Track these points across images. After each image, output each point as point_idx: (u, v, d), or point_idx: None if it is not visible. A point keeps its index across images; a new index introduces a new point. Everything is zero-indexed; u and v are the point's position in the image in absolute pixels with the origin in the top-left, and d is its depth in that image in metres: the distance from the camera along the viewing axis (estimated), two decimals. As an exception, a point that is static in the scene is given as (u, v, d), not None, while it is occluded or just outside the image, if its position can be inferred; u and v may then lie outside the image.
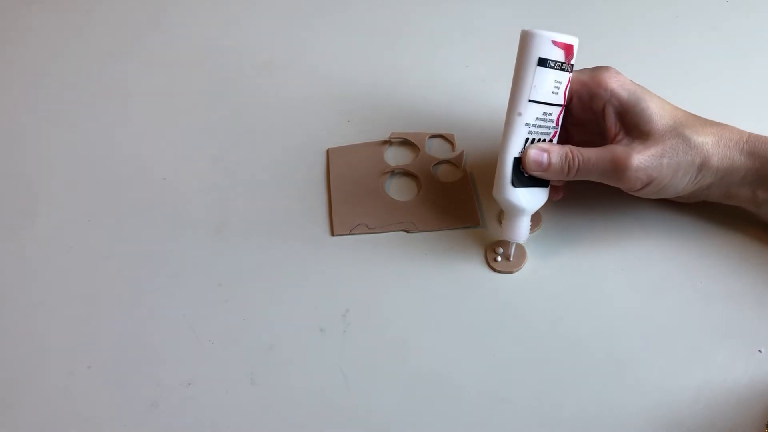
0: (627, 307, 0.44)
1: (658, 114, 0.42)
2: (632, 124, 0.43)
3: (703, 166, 0.42)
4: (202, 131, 0.57)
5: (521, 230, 0.45)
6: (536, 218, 0.48)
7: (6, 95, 0.61)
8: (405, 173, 0.53)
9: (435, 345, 0.43)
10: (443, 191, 0.51)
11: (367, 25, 0.65)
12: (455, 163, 0.53)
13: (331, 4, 0.68)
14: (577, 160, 0.43)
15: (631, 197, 0.49)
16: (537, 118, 0.43)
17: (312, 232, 0.49)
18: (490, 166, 0.52)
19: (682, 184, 0.43)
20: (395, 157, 0.54)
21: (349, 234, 0.49)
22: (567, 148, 0.44)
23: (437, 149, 0.54)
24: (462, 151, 0.53)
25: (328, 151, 0.54)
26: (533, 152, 0.43)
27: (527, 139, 0.43)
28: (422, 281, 0.46)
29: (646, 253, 0.46)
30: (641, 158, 0.42)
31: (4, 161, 0.55)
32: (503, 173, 0.44)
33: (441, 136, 0.55)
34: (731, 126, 0.43)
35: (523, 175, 0.44)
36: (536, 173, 0.44)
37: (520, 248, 0.46)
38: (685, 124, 0.42)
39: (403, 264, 0.47)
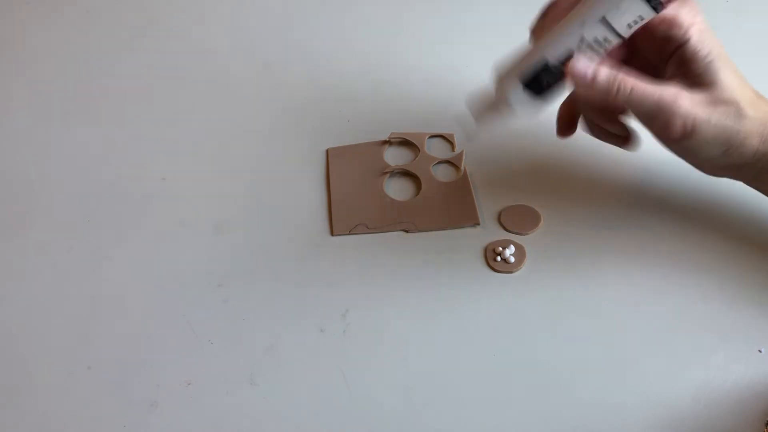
0: (627, 307, 0.44)
1: (726, 72, 0.40)
2: (695, 73, 0.40)
3: (743, 143, 0.40)
4: (202, 131, 0.57)
5: (487, 121, 0.41)
6: (536, 218, 0.48)
7: (5, 95, 0.61)
8: (405, 173, 0.53)
9: (435, 345, 0.43)
10: (443, 191, 0.51)
11: (367, 25, 0.65)
12: (455, 162, 0.53)
13: (331, 4, 0.68)
14: (628, 83, 0.39)
15: (630, 197, 0.49)
16: (595, 40, 0.39)
17: (312, 232, 0.49)
18: (490, 165, 0.52)
19: (717, 150, 0.40)
20: (395, 157, 0.54)
21: (349, 234, 0.49)
22: (617, 71, 0.39)
23: (437, 149, 0.54)
24: (462, 151, 0.53)
25: (328, 151, 0.54)
26: (582, 62, 0.39)
27: (570, 52, 0.39)
28: (422, 281, 0.46)
29: (645, 252, 0.46)
30: (693, 105, 0.39)
31: (3, 161, 0.55)
32: (523, 66, 0.40)
33: (441, 136, 0.55)
34: None
35: (539, 84, 0.40)
36: (576, 85, 0.40)
37: (520, 248, 0.46)
38: (744, 94, 0.40)
39: (402, 264, 0.47)
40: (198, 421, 0.40)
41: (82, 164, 0.55)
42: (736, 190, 0.48)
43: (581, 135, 0.54)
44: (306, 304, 0.45)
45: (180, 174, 0.53)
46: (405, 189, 0.52)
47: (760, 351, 0.41)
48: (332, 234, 0.49)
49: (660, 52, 0.41)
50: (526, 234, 0.47)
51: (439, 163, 0.53)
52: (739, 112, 0.39)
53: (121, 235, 0.50)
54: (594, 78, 0.39)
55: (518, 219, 0.48)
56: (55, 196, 0.52)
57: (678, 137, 0.40)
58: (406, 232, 0.49)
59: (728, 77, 0.40)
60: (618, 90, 0.39)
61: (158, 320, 0.45)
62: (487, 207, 0.50)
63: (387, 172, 0.52)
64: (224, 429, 0.40)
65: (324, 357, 0.42)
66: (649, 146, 0.52)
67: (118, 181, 0.53)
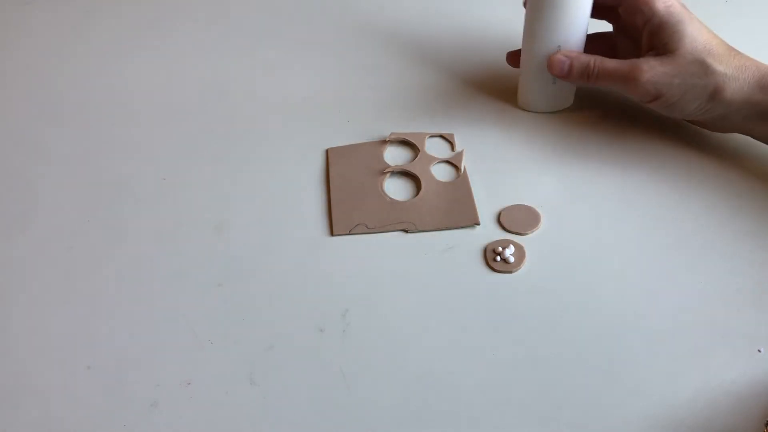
0: (626, 308, 0.44)
1: (690, 36, 0.44)
2: (662, 42, 0.45)
3: (715, 95, 0.44)
4: (202, 131, 0.57)
5: None
6: (535, 218, 0.48)
7: (5, 94, 0.61)
8: (404, 173, 0.53)
9: (434, 345, 0.43)
10: (443, 191, 0.51)
11: (366, 26, 0.65)
12: (455, 162, 0.53)
13: (330, 4, 0.68)
14: (596, 67, 0.48)
15: (630, 198, 0.49)
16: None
17: (311, 232, 0.49)
18: (490, 165, 0.52)
19: (691, 106, 0.45)
20: (395, 156, 0.54)
21: (349, 234, 0.49)
22: (591, 57, 0.48)
23: (437, 149, 0.54)
24: (462, 151, 0.53)
25: (327, 150, 0.54)
26: (558, 57, 0.49)
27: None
28: (421, 281, 0.46)
29: (645, 253, 0.46)
30: (653, 73, 0.45)
31: (4, 161, 0.55)
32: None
33: (441, 136, 0.55)
34: (762, 63, 0.45)
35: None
36: (557, 76, 0.49)
37: (520, 248, 0.46)
38: (712, 52, 0.44)
39: (402, 264, 0.47)
40: (198, 421, 0.40)
41: (82, 164, 0.55)
42: (736, 189, 0.48)
43: (581, 137, 0.54)
44: (306, 304, 0.45)
45: (180, 174, 0.53)
46: (405, 189, 0.52)
47: (759, 351, 0.41)
48: (332, 234, 0.49)
49: (635, 28, 0.48)
50: (526, 234, 0.47)
51: (438, 163, 0.53)
52: (705, 70, 0.44)
53: (121, 235, 0.50)
54: (571, 69, 0.49)
55: (518, 219, 0.48)
56: (56, 196, 0.52)
57: (649, 100, 0.46)
58: (406, 232, 0.49)
59: (694, 41, 0.44)
60: (590, 75, 0.48)
61: (158, 320, 0.45)
62: (486, 207, 0.50)
63: (387, 172, 0.52)
64: (224, 429, 0.40)
65: (324, 357, 0.42)
66: (648, 147, 0.52)
67: (118, 181, 0.53)
